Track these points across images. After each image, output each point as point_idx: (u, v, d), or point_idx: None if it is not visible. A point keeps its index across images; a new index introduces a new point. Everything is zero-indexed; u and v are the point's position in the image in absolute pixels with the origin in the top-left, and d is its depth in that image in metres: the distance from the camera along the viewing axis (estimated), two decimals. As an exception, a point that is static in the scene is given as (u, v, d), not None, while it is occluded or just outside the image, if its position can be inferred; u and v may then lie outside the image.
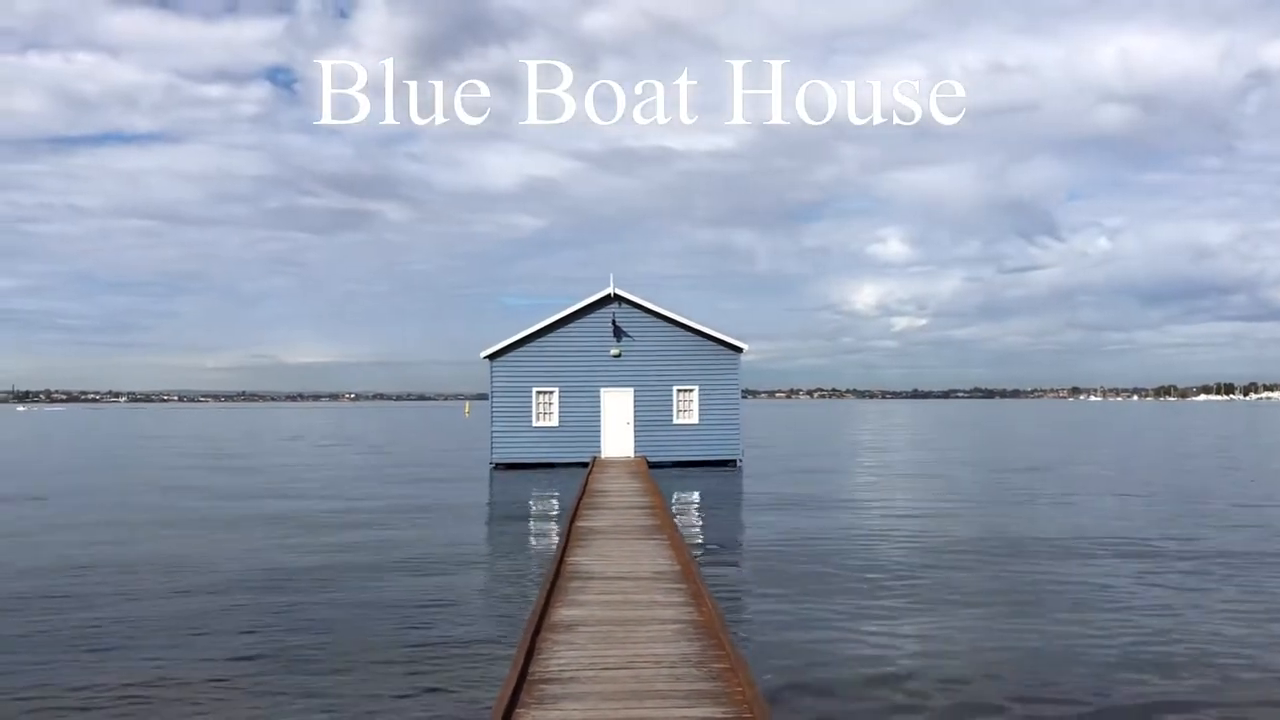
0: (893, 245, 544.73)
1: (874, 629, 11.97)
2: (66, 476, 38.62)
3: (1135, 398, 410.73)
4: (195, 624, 12.44)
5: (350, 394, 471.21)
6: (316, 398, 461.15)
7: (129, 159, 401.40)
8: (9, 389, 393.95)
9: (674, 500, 25.36)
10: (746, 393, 38.56)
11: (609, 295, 35.90)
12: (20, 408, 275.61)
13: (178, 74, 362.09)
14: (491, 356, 36.14)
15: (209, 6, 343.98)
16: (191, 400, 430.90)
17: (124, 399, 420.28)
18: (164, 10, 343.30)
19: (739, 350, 36.63)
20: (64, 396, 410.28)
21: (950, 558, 17.14)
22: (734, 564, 17.20)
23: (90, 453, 56.83)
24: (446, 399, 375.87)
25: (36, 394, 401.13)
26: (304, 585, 15.01)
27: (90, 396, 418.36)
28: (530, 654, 8.49)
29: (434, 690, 9.53)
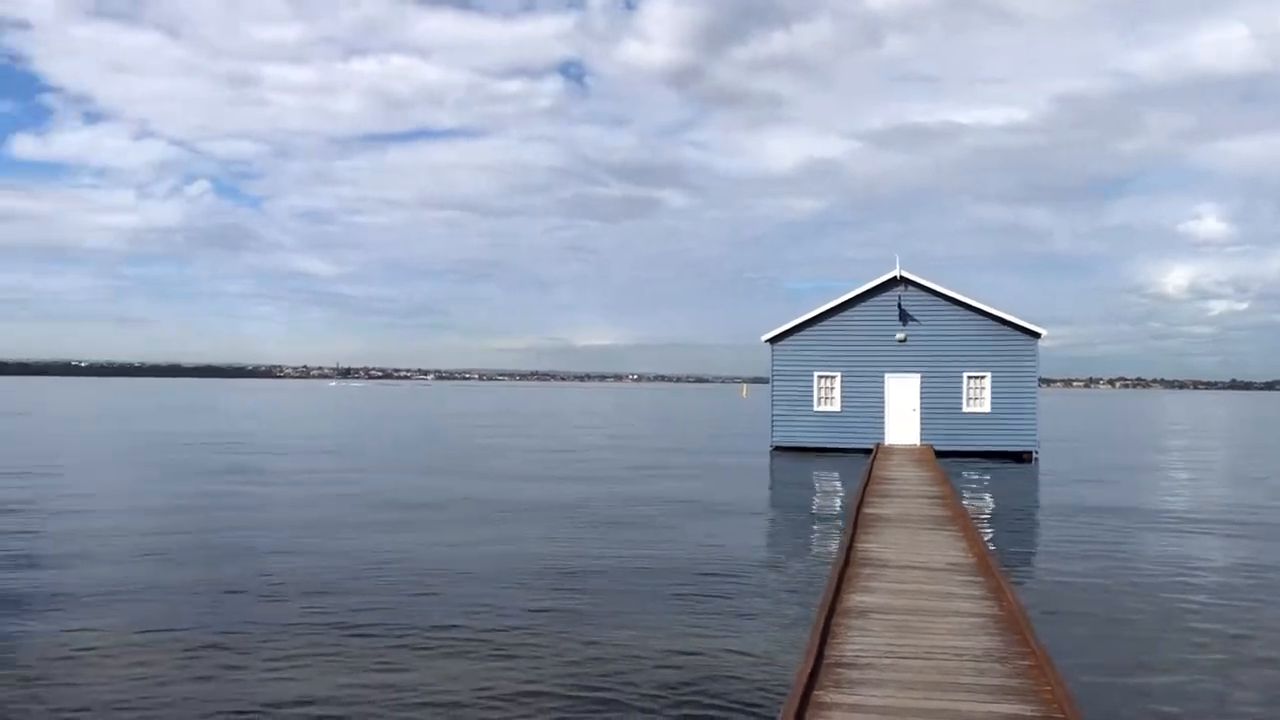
0: (1209, 222, 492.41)
1: (1184, 652, 11.02)
2: (382, 453, 42.29)
3: None
4: (486, 605, 13.31)
5: (633, 375, 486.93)
6: (603, 378, 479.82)
7: (436, 154, 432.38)
8: (334, 365, 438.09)
9: (963, 491, 24.44)
10: (1040, 381, 36.43)
11: (895, 278, 35.00)
12: (331, 383, 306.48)
13: (479, 72, 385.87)
14: (773, 340, 36.19)
15: (507, 6, 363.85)
16: (490, 379, 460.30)
17: (431, 376, 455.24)
18: (467, 11, 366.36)
19: (1036, 335, 34.70)
20: (379, 374, 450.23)
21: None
22: (1030, 561, 16.39)
23: (395, 429, 61.88)
24: (724, 381, 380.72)
25: (357, 371, 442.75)
26: (591, 563, 15.68)
27: (402, 374, 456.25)
28: (825, 638, 8.47)
29: (728, 668, 9.71)
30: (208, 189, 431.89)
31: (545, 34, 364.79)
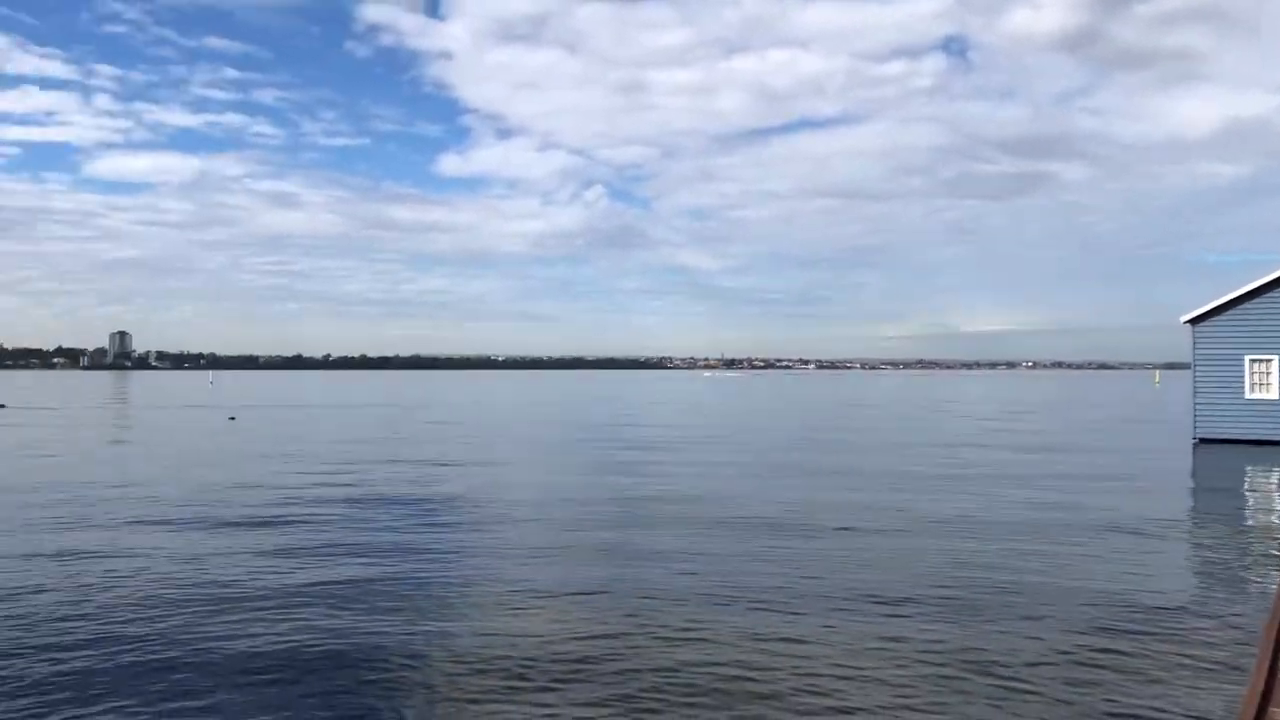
0: None
1: None
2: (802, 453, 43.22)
3: None
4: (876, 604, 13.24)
5: (1028, 362, 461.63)
6: (993, 366, 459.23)
7: (815, 143, 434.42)
8: (719, 356, 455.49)
9: None
10: None
11: (1347, 246, 30.52)
12: (705, 374, 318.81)
13: (858, 57, 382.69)
14: (1195, 321, 32.89)
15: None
16: (872, 368, 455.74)
17: (812, 365, 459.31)
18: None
19: None
20: (761, 363, 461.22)
21: None
22: None
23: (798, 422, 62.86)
24: (1131, 367, 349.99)
25: (740, 361, 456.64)
26: (999, 573, 15.13)
27: (783, 364, 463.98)
28: (1277, 653, 7.64)
29: (1163, 677, 9.06)
30: (603, 193, 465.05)
31: (925, 12, 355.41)
